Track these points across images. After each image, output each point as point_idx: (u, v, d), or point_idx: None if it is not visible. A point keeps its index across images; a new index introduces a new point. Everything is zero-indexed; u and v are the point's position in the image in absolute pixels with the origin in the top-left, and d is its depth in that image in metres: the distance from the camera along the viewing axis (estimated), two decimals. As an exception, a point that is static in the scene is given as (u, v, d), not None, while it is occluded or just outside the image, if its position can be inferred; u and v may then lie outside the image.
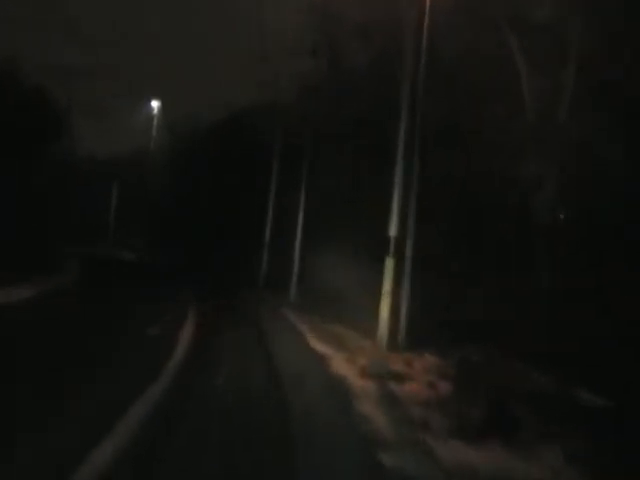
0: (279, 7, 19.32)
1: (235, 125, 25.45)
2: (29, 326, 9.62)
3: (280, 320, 13.71)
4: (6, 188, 18.51)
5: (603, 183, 11.44)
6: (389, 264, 8.43)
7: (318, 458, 4.71)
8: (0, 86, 19.17)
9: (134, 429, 4.88)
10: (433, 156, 11.89)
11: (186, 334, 10.24)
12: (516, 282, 12.38)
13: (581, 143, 11.85)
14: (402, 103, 9.12)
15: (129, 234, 39.17)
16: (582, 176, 12.08)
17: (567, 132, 11.80)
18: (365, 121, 17.38)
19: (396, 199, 8.43)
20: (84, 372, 6.78)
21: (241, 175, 24.06)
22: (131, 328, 10.69)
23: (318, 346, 10.15)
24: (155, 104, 40.08)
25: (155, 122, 40.27)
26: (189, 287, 19.27)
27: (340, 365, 8.71)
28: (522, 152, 13.36)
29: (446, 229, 13.33)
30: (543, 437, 5.86)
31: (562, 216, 13.24)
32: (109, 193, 40.11)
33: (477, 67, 14.28)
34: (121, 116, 37.83)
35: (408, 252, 10.46)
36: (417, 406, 6.63)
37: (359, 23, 18.04)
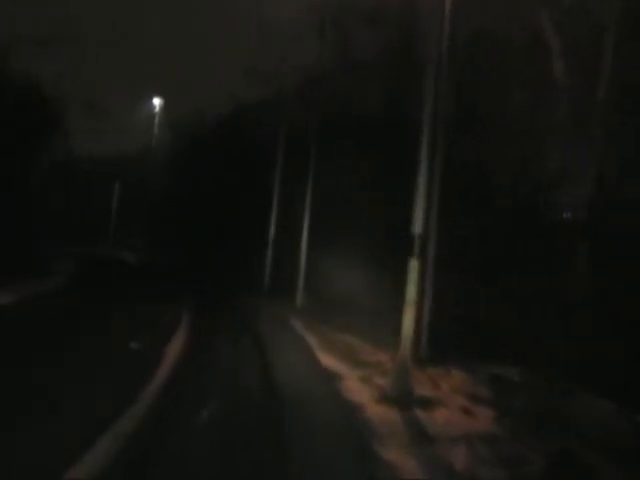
0: (279, 7, 18.23)
1: (236, 122, 24.33)
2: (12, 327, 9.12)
3: (285, 328, 12.34)
4: (5, 188, 18.01)
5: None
6: (414, 267, 7.05)
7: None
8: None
9: None
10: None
11: (177, 344, 8.92)
12: (542, 284, 11.08)
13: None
14: (426, 91, 7.71)
15: (129, 234, 38.12)
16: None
17: (609, 112, 10.44)
18: (371, 115, 16.27)
19: (421, 190, 7.06)
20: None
21: (242, 173, 22.91)
22: (119, 335, 9.43)
23: (328, 361, 8.78)
24: (157, 101, 39.06)
25: (157, 120, 39.23)
26: (188, 289, 18.44)
27: (355, 387, 7.35)
28: (551, 141, 12.10)
29: (458, 224, 12.04)
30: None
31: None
32: (109, 193, 39.03)
33: (499, 49, 13.05)
34: (122, 115, 37.04)
35: (430, 252, 9.15)
36: (456, 445, 5.28)
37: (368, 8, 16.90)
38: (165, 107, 38.67)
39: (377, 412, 6.23)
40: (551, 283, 10.93)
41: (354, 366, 8.52)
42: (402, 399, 6.72)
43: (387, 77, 16.33)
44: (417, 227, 7.08)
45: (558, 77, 11.77)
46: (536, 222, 11.69)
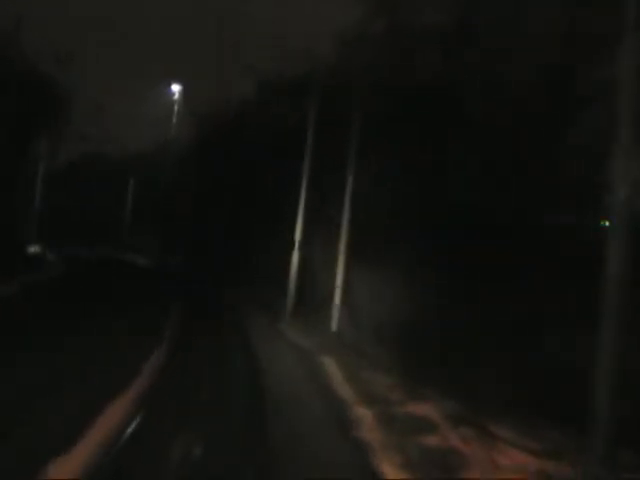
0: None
1: (241, 117, 21.37)
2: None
3: (314, 383, 7.47)
4: (5, 188, 17.96)
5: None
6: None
7: None
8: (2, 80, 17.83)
9: None
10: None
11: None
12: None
13: None
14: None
15: (131, 233, 35.56)
16: None
17: None
18: (429, 89, 12.15)
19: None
20: None
21: (248, 167, 19.88)
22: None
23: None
24: (176, 88, 35.73)
25: (176, 107, 35.89)
26: (189, 295, 16.59)
27: None
28: None
29: None
30: None
31: None
32: (108, 193, 36.43)
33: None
34: (123, 114, 35.38)
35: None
36: None
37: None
38: (176, 97, 35.77)
39: None
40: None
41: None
42: None
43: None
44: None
45: None
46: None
